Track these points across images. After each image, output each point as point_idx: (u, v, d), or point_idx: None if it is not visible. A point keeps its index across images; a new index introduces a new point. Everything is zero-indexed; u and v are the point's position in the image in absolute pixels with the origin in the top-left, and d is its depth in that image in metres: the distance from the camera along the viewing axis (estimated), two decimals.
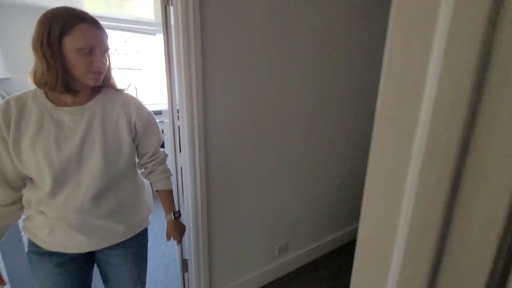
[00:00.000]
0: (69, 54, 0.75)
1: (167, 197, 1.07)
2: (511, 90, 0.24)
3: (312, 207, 1.93)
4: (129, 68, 3.67)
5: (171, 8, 1.21)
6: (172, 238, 1.10)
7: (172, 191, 1.08)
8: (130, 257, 1.00)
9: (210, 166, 1.39)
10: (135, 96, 0.97)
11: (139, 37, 3.62)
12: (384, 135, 0.33)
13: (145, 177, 1.05)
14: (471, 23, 0.24)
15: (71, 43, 0.74)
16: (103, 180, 0.85)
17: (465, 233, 0.30)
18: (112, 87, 0.92)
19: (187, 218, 1.47)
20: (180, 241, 1.13)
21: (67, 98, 0.83)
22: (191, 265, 1.52)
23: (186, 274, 1.62)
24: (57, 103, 0.82)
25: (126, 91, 0.95)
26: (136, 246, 1.01)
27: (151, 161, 1.01)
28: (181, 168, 1.43)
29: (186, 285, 1.64)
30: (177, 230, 1.09)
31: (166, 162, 1.09)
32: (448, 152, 0.28)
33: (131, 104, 0.91)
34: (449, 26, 0.25)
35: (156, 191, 1.07)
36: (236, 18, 1.26)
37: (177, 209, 1.09)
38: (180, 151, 1.45)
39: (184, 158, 1.35)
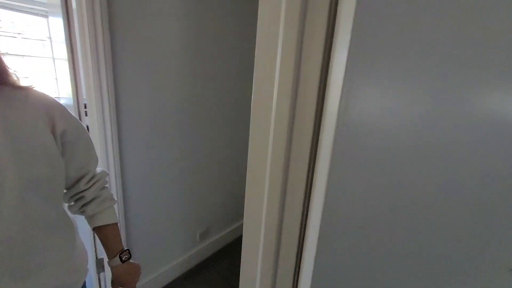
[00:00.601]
0: None
1: (113, 234, 0.74)
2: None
3: (229, 191, 2.06)
4: (7, 53, 2.99)
5: None
6: None
7: (117, 223, 0.77)
8: None
9: (125, 161, 1.33)
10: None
11: (22, 17, 2.99)
12: (255, 132, 0.47)
13: (76, 212, 0.72)
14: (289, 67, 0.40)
15: None
16: (26, 230, 0.53)
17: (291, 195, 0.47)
18: (12, 84, 0.59)
19: None
20: None
21: None
22: (107, 264, 1.42)
23: (102, 274, 1.51)
24: None
25: (34, 89, 0.62)
26: None
27: (92, 185, 0.70)
28: None
29: (102, 285, 1.53)
30: (130, 276, 0.76)
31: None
32: (281, 141, 0.43)
33: (52, 105, 0.60)
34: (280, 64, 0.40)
35: (94, 228, 0.73)
36: (150, 2, 1.24)
37: (125, 248, 0.76)
38: None
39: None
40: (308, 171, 0.42)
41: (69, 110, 0.68)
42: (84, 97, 1.22)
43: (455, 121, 0.48)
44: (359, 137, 0.39)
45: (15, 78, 0.60)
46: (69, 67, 1.20)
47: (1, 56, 0.60)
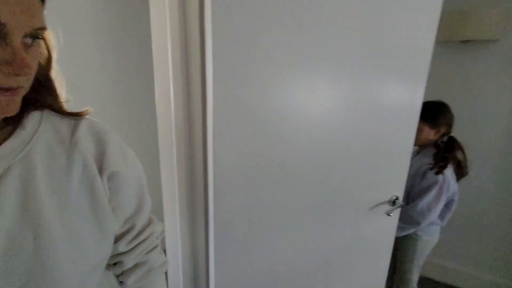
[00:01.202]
0: None
1: None
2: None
3: None
4: None
5: None
6: None
7: None
8: None
9: None
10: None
11: None
12: (162, 128, 0.65)
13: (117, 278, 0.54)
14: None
15: None
16: None
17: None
18: (58, 110, 0.43)
19: None
20: None
21: None
22: None
23: None
24: None
25: (88, 117, 0.46)
26: None
27: (135, 247, 0.50)
28: None
29: None
30: None
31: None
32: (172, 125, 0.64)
33: (104, 136, 0.44)
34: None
35: None
36: None
37: None
38: None
39: None
40: (203, 131, 0.62)
41: None
42: None
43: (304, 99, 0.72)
44: (232, 107, 0.63)
45: (62, 102, 0.44)
46: None
47: (51, 67, 0.41)
